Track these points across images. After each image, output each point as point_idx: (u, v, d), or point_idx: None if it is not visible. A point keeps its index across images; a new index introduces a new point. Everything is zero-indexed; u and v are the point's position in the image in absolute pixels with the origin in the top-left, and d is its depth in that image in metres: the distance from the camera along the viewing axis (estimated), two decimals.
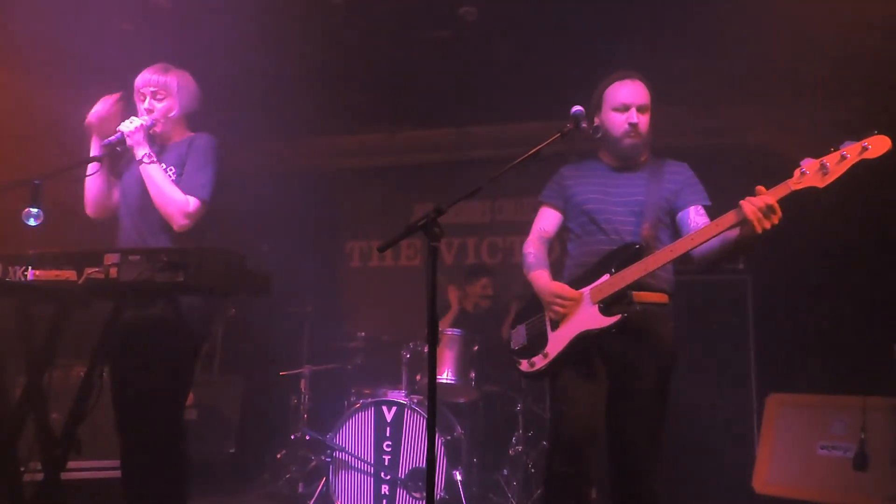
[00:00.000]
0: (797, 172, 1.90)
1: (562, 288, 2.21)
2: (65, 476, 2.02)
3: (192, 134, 2.58)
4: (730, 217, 1.97)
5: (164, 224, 2.38)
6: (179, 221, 2.33)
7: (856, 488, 3.21)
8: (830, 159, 1.86)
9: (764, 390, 3.73)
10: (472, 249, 5.38)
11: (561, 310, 2.20)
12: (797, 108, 4.22)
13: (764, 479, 3.50)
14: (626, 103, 2.25)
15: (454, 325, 4.28)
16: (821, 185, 1.87)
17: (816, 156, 1.89)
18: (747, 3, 3.30)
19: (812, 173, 1.87)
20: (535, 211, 2.51)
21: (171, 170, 2.43)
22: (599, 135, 2.32)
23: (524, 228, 2.55)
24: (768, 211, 1.89)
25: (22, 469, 2.02)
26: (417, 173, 5.46)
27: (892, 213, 3.87)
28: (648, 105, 2.28)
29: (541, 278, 2.31)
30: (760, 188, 1.92)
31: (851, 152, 1.85)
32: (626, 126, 2.25)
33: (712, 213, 2.12)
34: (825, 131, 3.77)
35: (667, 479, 3.40)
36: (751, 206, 1.90)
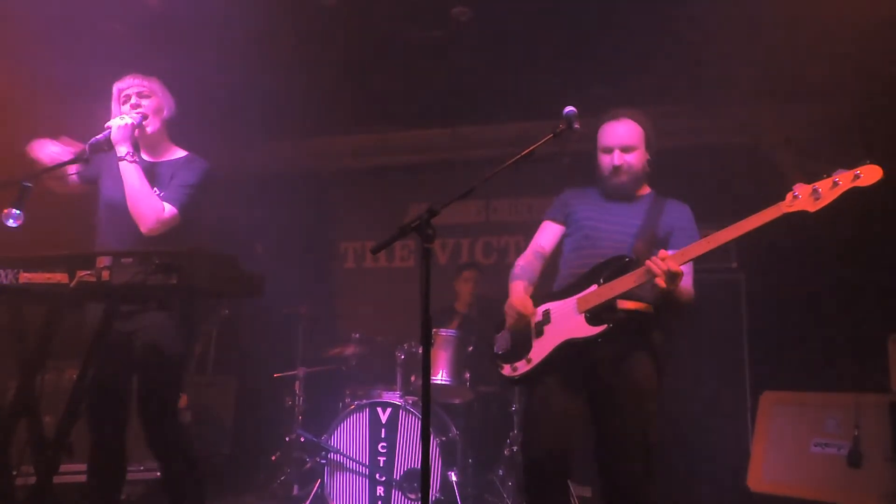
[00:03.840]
0: (789, 196, 1.93)
1: (520, 301, 2.28)
2: (57, 479, 2.00)
3: (185, 153, 2.58)
4: (639, 274, 2.09)
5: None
6: (149, 225, 2.31)
7: (850, 485, 3.22)
8: (823, 185, 1.89)
9: (758, 388, 3.74)
10: (466, 250, 5.37)
11: (510, 320, 2.30)
12: (796, 107, 4.25)
13: (759, 477, 3.51)
14: (609, 145, 2.33)
15: (468, 311, 4.40)
16: (812, 209, 1.90)
17: (810, 179, 1.92)
18: (747, 3, 3.31)
19: (804, 197, 1.91)
20: (531, 212, 2.52)
21: (160, 194, 2.41)
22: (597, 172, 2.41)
23: (518, 228, 2.56)
24: (668, 277, 2.00)
25: (14, 472, 2.01)
26: (411, 174, 5.45)
27: (885, 211, 3.88)
28: (636, 144, 2.33)
29: (514, 289, 2.38)
30: (663, 253, 2.03)
31: (844, 179, 1.87)
32: (610, 168, 2.32)
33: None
34: (824, 131, 3.79)
35: (661, 478, 3.42)
36: (657, 268, 2.01)
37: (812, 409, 3.50)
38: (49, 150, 2.42)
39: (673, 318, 2.28)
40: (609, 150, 2.33)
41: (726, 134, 4.56)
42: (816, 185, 1.90)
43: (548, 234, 2.47)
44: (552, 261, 2.48)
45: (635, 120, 2.35)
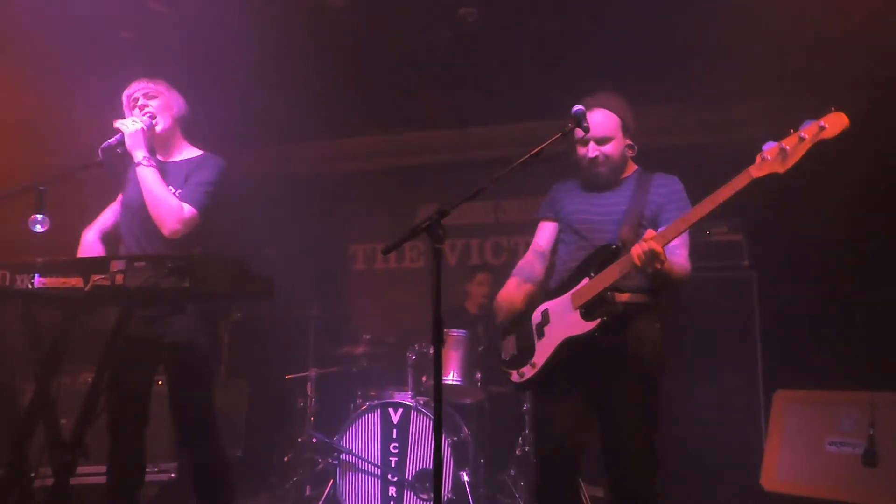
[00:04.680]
0: (758, 159, 1.86)
1: (505, 297, 2.37)
2: (74, 480, 2.03)
3: (200, 152, 2.60)
4: (624, 262, 2.06)
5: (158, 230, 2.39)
6: (171, 226, 2.33)
7: (865, 485, 3.20)
8: (789, 142, 1.81)
9: (771, 387, 3.72)
10: (475, 250, 5.38)
11: (499, 315, 2.38)
12: (797, 101, 4.21)
13: (772, 476, 3.48)
14: (584, 137, 2.28)
15: (479, 311, 4.39)
16: (781, 170, 1.83)
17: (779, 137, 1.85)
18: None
19: (773, 158, 1.83)
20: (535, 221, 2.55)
21: (178, 193, 2.42)
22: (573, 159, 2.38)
23: (528, 228, 2.57)
24: (649, 256, 1.95)
25: (32, 474, 2.04)
26: (420, 175, 5.46)
27: None
28: (611, 134, 2.28)
29: (504, 287, 2.43)
30: (649, 233, 1.98)
31: (809, 133, 1.78)
32: (586, 160, 2.30)
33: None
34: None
35: (675, 477, 3.40)
36: (638, 251, 1.98)
37: (826, 407, 3.47)
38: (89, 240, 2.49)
39: (671, 297, 2.24)
40: (584, 143, 2.28)
41: (734, 131, 4.54)
42: (783, 143, 1.82)
43: (544, 233, 2.48)
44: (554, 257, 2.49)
45: (609, 108, 2.28)
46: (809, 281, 4.08)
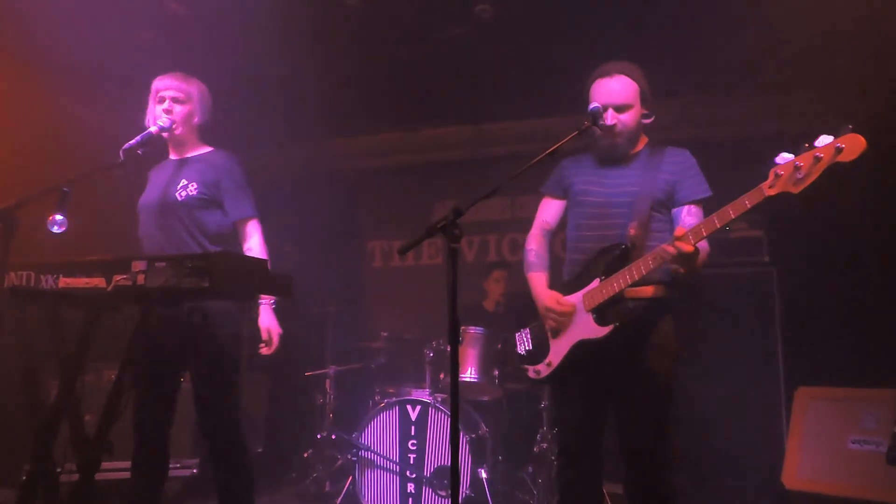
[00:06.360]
0: (772, 174, 1.80)
1: (554, 300, 2.23)
2: (98, 476, 2.07)
3: (210, 149, 2.64)
4: (659, 253, 2.02)
5: (191, 228, 2.45)
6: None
7: (889, 483, 3.15)
8: (804, 160, 1.73)
9: (792, 384, 3.68)
10: (493, 246, 5.37)
11: (554, 324, 2.24)
12: (802, 97, 4.16)
13: (794, 474, 3.45)
14: (601, 105, 2.21)
15: (496, 309, 4.41)
16: (794, 191, 1.77)
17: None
18: None
19: (786, 176, 1.77)
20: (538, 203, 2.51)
21: (192, 185, 2.49)
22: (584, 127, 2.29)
23: None
24: (681, 258, 1.92)
25: (58, 470, 2.08)
26: (437, 172, 5.47)
27: None
28: (630, 102, 2.22)
29: (538, 283, 2.33)
30: (679, 230, 1.93)
31: (825, 153, 1.70)
32: (603, 129, 2.23)
33: (715, 204, 2.03)
34: (830, 121, 3.70)
35: (696, 474, 3.38)
36: (667, 253, 1.95)
37: (849, 404, 3.42)
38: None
39: (688, 284, 2.19)
40: (602, 110, 2.21)
41: (754, 124, 4.49)
42: (798, 160, 1.74)
43: (550, 210, 2.44)
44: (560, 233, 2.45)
45: (629, 75, 2.22)
46: (830, 277, 4.02)
